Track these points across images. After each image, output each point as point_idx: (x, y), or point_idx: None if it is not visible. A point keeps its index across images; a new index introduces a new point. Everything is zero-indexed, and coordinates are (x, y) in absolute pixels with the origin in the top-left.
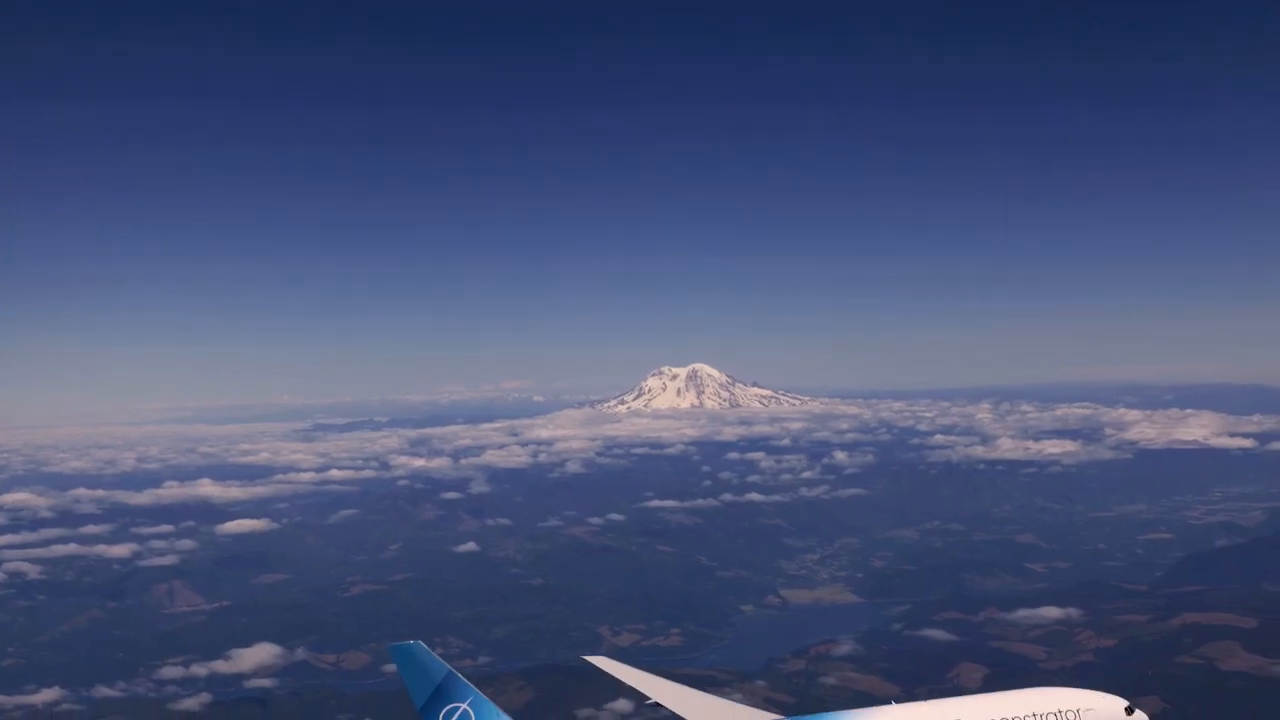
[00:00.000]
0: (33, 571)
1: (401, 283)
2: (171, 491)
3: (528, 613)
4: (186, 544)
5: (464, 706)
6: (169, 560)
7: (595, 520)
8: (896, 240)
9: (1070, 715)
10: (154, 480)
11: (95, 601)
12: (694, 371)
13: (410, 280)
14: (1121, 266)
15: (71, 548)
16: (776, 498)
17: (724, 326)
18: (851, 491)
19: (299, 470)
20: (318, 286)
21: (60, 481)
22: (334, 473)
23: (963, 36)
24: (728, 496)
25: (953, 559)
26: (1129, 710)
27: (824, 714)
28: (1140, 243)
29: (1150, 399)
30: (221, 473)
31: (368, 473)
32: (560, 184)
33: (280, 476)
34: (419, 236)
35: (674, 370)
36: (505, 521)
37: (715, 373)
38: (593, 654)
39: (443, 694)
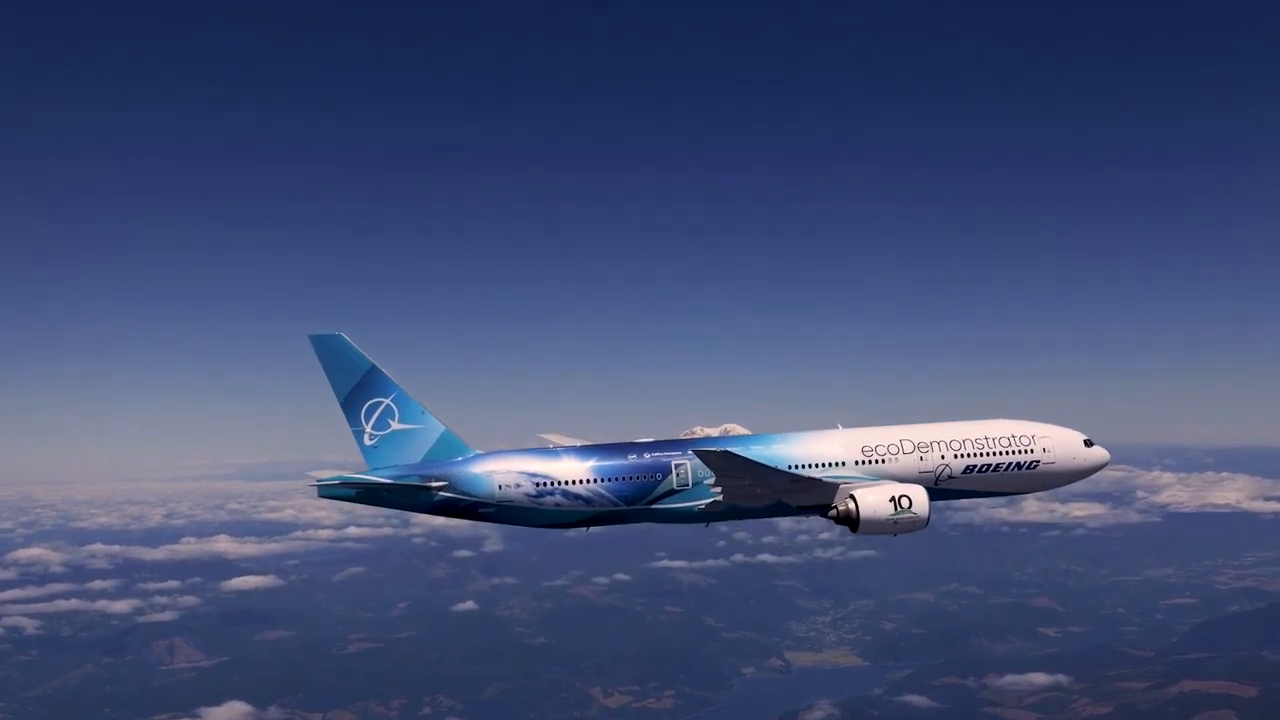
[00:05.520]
0: (31, 626)
1: (439, 342)
2: (187, 547)
3: (523, 672)
4: (189, 600)
5: (387, 401)
6: (168, 616)
7: (601, 579)
8: (933, 302)
9: (1025, 440)
10: (173, 536)
11: (92, 657)
12: (725, 432)
13: (448, 339)
14: (1164, 328)
15: (74, 603)
16: (789, 558)
17: (756, 387)
18: (868, 552)
19: (319, 527)
20: (359, 345)
21: (82, 537)
22: (352, 530)
23: (1017, 97)
24: (739, 557)
25: (964, 622)
26: (1087, 443)
27: (773, 434)
28: (1182, 304)
29: (1191, 462)
30: (242, 529)
31: (386, 530)
32: (597, 249)
33: (299, 533)
34: (459, 297)
35: (705, 430)
36: (513, 580)
37: (747, 433)
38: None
39: (365, 388)
